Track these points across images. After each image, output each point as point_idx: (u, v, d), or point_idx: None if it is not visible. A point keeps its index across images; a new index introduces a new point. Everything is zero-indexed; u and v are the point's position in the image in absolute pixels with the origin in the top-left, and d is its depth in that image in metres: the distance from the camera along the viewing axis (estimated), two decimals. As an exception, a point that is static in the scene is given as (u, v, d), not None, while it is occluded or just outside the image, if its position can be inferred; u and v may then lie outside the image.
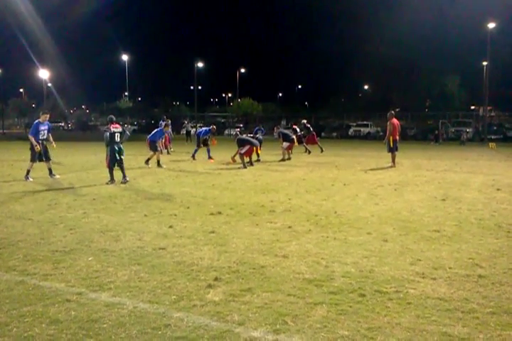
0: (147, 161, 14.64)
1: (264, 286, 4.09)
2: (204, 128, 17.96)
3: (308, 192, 9.55)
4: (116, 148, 10.61)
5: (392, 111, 15.49)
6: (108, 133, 10.54)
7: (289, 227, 6.31)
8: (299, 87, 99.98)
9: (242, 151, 14.60)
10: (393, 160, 14.87)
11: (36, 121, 11.57)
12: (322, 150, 20.66)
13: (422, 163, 16.50)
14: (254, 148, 14.86)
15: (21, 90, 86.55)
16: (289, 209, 7.59)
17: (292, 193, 9.31)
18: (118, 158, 10.64)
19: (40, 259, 4.85)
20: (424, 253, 5.13)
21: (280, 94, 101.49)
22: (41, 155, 11.34)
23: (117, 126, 10.86)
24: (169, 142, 21.11)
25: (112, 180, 10.60)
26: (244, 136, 15.66)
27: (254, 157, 15.69)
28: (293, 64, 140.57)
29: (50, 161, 11.72)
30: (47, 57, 65.74)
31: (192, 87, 71.01)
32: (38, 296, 3.85)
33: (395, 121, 14.95)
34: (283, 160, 17.00)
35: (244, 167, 14.22)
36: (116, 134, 10.60)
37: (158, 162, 14.55)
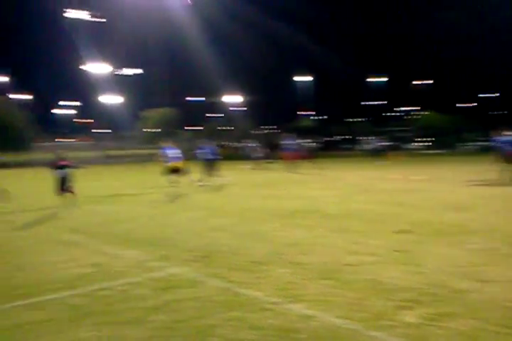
0: None
1: (465, 313, 3.75)
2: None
3: None
4: None
5: None
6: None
7: (493, 249, 5.72)
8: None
9: None
10: None
11: None
12: None
13: None
14: None
15: None
16: (486, 230, 6.88)
17: (488, 212, 8.44)
18: None
19: (239, 268, 5.25)
20: None
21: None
22: None
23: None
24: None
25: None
26: None
27: None
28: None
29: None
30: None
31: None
32: (238, 303, 4.16)
33: None
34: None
35: None
36: None
37: None
